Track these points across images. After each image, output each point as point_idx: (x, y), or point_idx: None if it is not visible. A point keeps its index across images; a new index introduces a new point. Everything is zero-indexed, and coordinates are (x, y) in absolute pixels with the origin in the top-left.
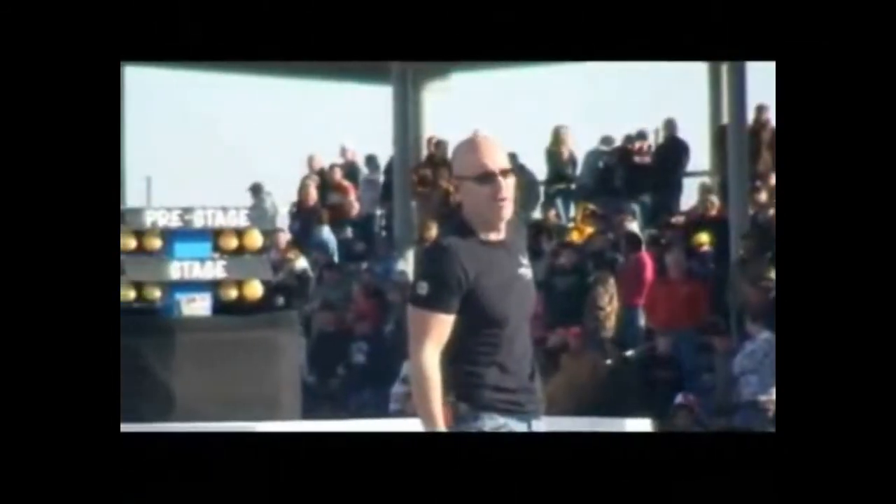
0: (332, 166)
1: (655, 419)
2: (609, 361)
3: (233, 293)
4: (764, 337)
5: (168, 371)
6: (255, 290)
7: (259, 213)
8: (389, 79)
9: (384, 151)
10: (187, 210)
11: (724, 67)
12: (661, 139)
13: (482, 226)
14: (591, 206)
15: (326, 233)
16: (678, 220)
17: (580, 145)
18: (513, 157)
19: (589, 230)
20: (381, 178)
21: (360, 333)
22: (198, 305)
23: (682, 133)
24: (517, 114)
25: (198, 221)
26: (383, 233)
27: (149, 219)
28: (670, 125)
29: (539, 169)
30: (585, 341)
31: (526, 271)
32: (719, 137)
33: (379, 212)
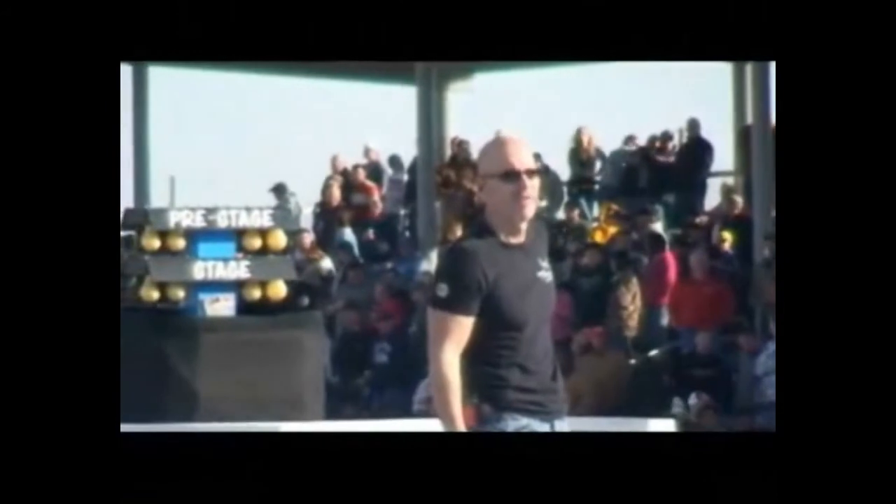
0: (356, 166)
1: (678, 419)
2: (633, 361)
3: (256, 293)
4: None
5: (192, 371)
6: (279, 290)
7: (283, 213)
8: (413, 79)
9: (408, 152)
10: (211, 210)
11: (749, 67)
12: (685, 139)
13: (504, 225)
14: (615, 206)
15: (349, 233)
16: (702, 220)
17: (604, 146)
18: (537, 157)
19: (613, 230)
20: (405, 179)
21: (384, 334)
22: (221, 306)
23: (706, 133)
24: (540, 114)
25: (222, 222)
26: (407, 233)
27: (173, 219)
28: (694, 125)
29: (562, 169)
30: (608, 341)
31: (546, 274)
32: (743, 137)
33: (402, 212)
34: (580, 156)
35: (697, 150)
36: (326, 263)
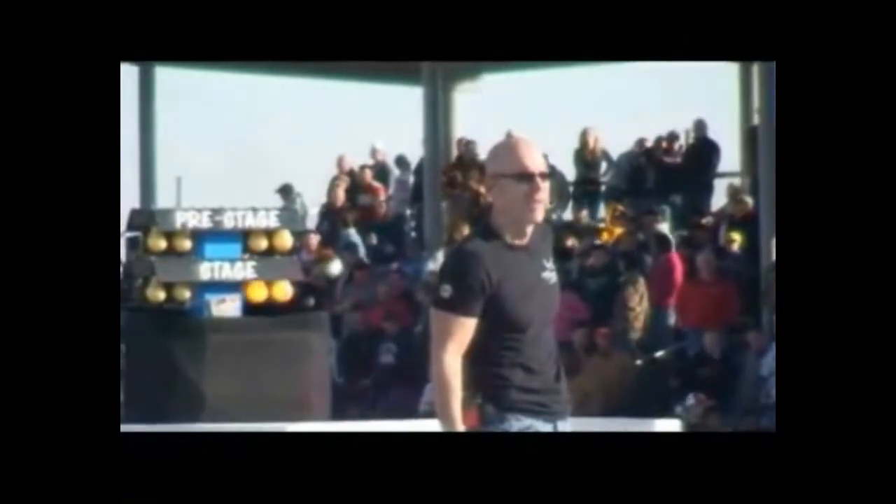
0: (363, 167)
1: (681, 419)
2: (639, 362)
3: (262, 294)
4: None
5: (198, 371)
6: (284, 291)
7: (289, 214)
8: (420, 79)
9: (414, 152)
10: (217, 211)
11: (756, 67)
12: (691, 140)
13: (511, 226)
14: (621, 207)
15: (355, 234)
16: (708, 220)
17: (610, 146)
18: (545, 158)
19: (619, 231)
20: (411, 179)
21: (390, 334)
22: (228, 306)
23: (713, 134)
24: (547, 115)
25: (228, 222)
26: (413, 233)
27: (179, 220)
28: (701, 126)
29: (568, 170)
30: (613, 342)
31: (550, 275)
32: (750, 138)
33: (409, 212)
34: (585, 157)
35: (704, 150)
36: (332, 264)
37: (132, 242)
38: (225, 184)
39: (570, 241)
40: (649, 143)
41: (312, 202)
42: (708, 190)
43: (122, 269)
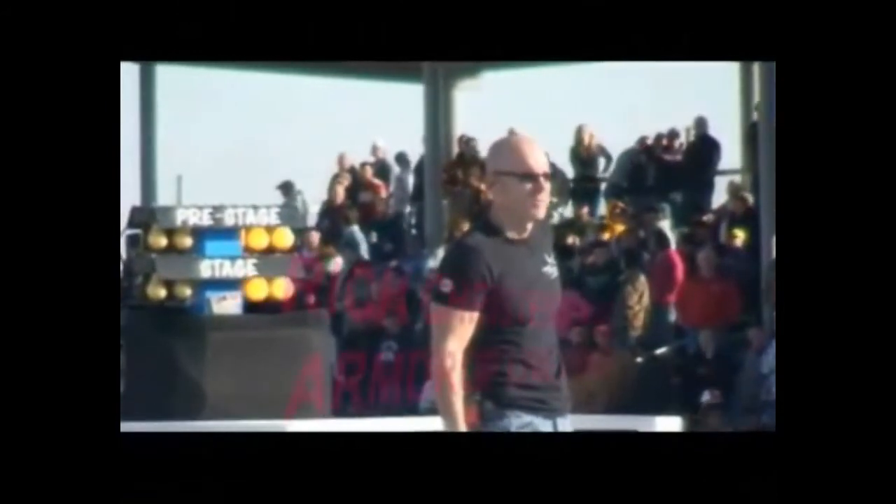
0: (363, 164)
1: (686, 418)
2: (639, 359)
3: (262, 292)
4: None
5: (198, 369)
6: (284, 288)
7: (290, 211)
8: (420, 77)
9: (415, 150)
10: (218, 208)
11: (756, 66)
12: (692, 137)
13: (512, 223)
14: (621, 204)
15: (356, 231)
16: (709, 218)
17: (611, 144)
18: (545, 155)
19: (619, 228)
20: (412, 177)
21: (390, 332)
22: (228, 304)
23: (713, 131)
24: (548, 112)
25: (228, 220)
26: (413, 231)
27: (179, 217)
28: (701, 123)
29: (565, 167)
30: (613, 339)
31: (551, 270)
32: (750, 135)
33: (409, 210)
34: (581, 153)
35: (704, 148)
36: (333, 261)
37: (133, 240)
38: (225, 181)
39: (571, 239)
40: (650, 141)
41: (313, 200)
42: (708, 187)
43: (122, 266)
